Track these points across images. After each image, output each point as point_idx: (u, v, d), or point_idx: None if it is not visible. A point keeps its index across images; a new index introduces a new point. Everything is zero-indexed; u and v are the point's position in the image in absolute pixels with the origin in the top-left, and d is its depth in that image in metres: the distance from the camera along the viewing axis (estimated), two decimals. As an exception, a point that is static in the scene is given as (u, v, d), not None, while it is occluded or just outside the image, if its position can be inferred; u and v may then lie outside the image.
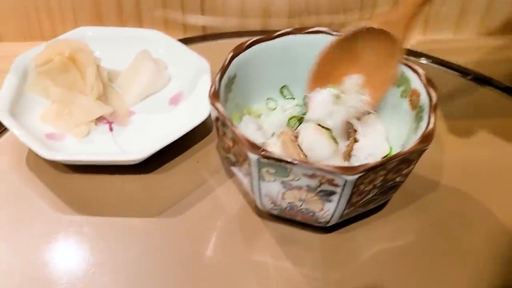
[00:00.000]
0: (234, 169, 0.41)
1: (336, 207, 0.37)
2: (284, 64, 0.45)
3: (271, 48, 0.44)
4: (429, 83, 0.40)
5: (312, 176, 0.35)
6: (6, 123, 0.44)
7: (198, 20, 0.61)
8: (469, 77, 0.56)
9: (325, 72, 0.43)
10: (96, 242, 0.41)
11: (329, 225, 0.40)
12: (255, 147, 0.35)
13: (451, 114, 0.52)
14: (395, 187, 0.39)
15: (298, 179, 0.35)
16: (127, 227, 0.42)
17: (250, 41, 0.43)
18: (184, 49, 0.52)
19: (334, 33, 0.43)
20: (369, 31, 0.40)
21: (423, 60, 0.58)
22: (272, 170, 0.35)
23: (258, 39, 0.44)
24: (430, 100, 0.39)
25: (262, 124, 0.45)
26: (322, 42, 0.43)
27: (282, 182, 0.36)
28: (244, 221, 0.43)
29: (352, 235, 0.42)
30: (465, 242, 0.42)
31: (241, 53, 0.43)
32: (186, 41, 0.56)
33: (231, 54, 0.42)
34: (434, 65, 0.57)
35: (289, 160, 0.34)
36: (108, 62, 0.51)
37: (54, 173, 0.46)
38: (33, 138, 0.44)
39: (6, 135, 0.48)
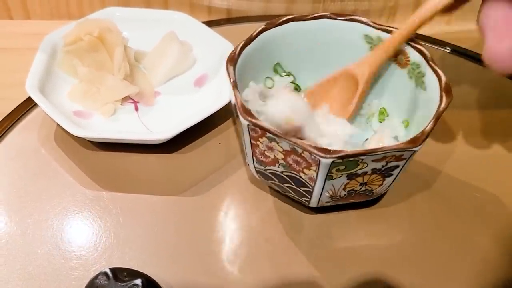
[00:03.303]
0: (272, 182, 0.41)
1: (394, 179, 0.39)
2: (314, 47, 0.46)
3: (304, 29, 0.44)
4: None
5: (381, 159, 0.36)
6: (36, 99, 0.46)
7: (223, 3, 0.62)
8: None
9: (310, 97, 0.45)
10: (119, 218, 0.43)
11: (376, 196, 0.41)
12: (326, 151, 0.34)
13: (470, 104, 0.52)
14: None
15: (366, 166, 0.36)
16: (149, 204, 0.44)
17: (258, 30, 0.43)
18: (210, 32, 0.53)
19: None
20: (344, 73, 0.43)
21: (447, 49, 0.58)
22: (342, 167, 0.36)
23: (292, 18, 0.44)
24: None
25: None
26: (353, 28, 0.44)
27: (348, 175, 0.37)
28: (262, 203, 0.44)
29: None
30: (475, 236, 0.42)
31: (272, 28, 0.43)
32: (210, 23, 0.56)
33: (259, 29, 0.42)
34: (458, 56, 0.57)
35: (362, 152, 0.35)
36: (135, 42, 0.52)
37: (80, 150, 0.47)
38: (61, 115, 0.45)
39: (35, 112, 0.50)
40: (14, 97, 0.50)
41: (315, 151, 0.34)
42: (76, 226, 0.42)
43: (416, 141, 0.36)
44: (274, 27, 0.43)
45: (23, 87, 0.46)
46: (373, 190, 0.40)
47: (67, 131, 0.45)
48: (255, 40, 0.42)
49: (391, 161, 0.36)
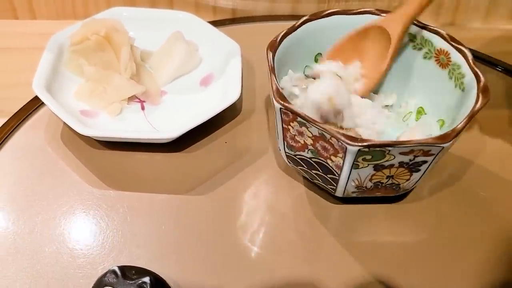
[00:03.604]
0: (301, 168, 0.42)
1: (422, 174, 0.39)
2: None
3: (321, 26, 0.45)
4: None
5: (408, 152, 0.36)
6: (43, 98, 0.46)
7: (228, 3, 0.62)
8: (499, 68, 0.56)
9: (339, 52, 0.45)
10: (126, 216, 0.43)
11: (403, 192, 0.42)
12: (354, 139, 0.35)
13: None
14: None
15: (393, 159, 0.36)
16: (155, 203, 0.44)
17: (302, 20, 0.44)
18: (216, 32, 0.53)
19: (382, 14, 0.44)
20: (374, 28, 0.44)
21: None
22: (368, 157, 0.36)
23: (309, 18, 0.44)
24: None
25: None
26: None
27: (375, 165, 0.37)
28: (270, 201, 0.44)
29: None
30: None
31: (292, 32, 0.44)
32: (215, 23, 0.56)
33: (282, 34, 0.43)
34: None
35: (389, 143, 0.35)
36: (141, 42, 0.52)
37: (87, 149, 0.47)
38: (68, 114, 0.45)
39: (41, 111, 0.50)
40: (21, 97, 0.50)
41: (342, 138, 0.35)
42: (83, 225, 0.42)
43: (445, 138, 0.36)
44: (317, 19, 0.44)
45: (30, 86, 0.46)
46: (400, 184, 0.40)
47: (73, 130, 0.45)
48: (297, 30, 0.43)
49: (418, 155, 0.36)
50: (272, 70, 0.40)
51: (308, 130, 0.37)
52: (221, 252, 0.41)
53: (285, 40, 0.43)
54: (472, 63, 0.41)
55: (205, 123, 0.46)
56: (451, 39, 0.43)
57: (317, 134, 0.37)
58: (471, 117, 0.37)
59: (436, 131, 0.43)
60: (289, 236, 0.42)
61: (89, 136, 0.46)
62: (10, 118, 0.49)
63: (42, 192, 0.44)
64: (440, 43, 0.43)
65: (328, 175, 0.40)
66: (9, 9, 0.62)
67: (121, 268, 0.35)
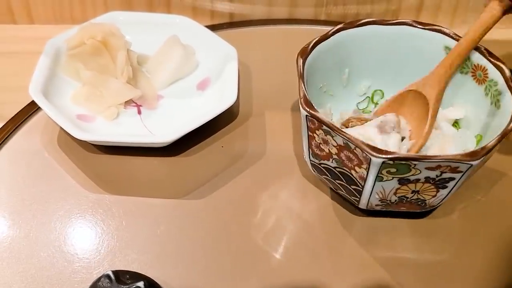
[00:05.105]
0: (325, 177, 0.41)
1: (449, 191, 0.38)
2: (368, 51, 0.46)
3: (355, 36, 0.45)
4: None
5: (435, 168, 0.35)
6: (39, 103, 0.46)
7: (225, 7, 0.62)
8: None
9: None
10: (122, 221, 0.43)
11: (430, 208, 0.41)
12: (378, 150, 0.35)
13: None
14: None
15: (419, 173, 0.36)
16: (152, 207, 0.44)
17: (336, 28, 0.44)
18: (213, 36, 0.53)
19: (418, 26, 0.44)
20: (411, 92, 0.43)
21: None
22: (393, 170, 0.36)
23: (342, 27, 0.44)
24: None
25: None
26: (433, 38, 0.44)
27: (400, 179, 0.36)
28: (266, 204, 0.44)
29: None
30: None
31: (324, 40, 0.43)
32: (213, 27, 0.56)
33: (314, 41, 0.42)
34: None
35: (415, 157, 0.34)
36: (138, 46, 0.52)
37: (83, 153, 0.47)
38: (65, 118, 0.45)
39: (38, 115, 0.50)
40: (18, 101, 0.50)
41: (367, 149, 0.35)
42: (79, 229, 0.42)
43: (474, 155, 0.35)
44: (352, 27, 0.44)
45: (27, 91, 0.47)
46: (426, 200, 0.39)
47: (70, 135, 0.45)
48: (330, 38, 0.43)
49: (445, 171, 0.35)
50: (301, 76, 0.40)
51: (333, 139, 0.37)
52: (217, 257, 0.41)
53: (318, 47, 0.42)
54: (510, 81, 0.39)
55: (201, 127, 0.46)
56: (489, 55, 0.41)
57: (342, 144, 0.36)
58: (503, 136, 0.36)
59: (472, 146, 0.42)
60: (290, 240, 0.42)
61: (85, 141, 0.46)
62: (7, 122, 0.49)
63: (38, 196, 0.44)
64: (478, 59, 0.42)
65: (352, 186, 0.39)
66: (7, 13, 0.62)
67: (115, 272, 0.35)
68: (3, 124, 0.49)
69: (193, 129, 0.45)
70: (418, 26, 0.44)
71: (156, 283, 0.37)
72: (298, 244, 0.42)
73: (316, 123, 0.37)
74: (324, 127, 0.37)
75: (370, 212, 0.43)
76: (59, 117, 0.45)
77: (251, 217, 0.43)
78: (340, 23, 0.44)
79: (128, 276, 0.35)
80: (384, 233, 0.42)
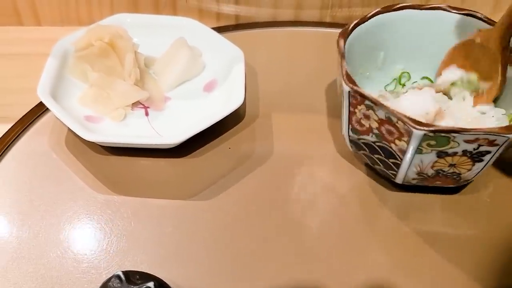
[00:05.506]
0: (363, 152, 0.42)
1: (485, 165, 0.39)
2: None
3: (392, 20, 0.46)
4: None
5: (473, 140, 0.36)
6: (47, 104, 0.46)
7: (231, 9, 0.62)
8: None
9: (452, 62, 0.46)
10: (130, 221, 0.43)
11: (463, 183, 0.42)
12: (420, 123, 0.36)
13: None
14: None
15: (457, 146, 0.37)
16: (160, 208, 0.44)
17: (374, 12, 0.45)
18: (219, 38, 0.53)
19: (453, 10, 0.45)
20: (475, 44, 0.44)
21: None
22: (433, 142, 0.37)
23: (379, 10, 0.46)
24: None
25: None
26: (467, 21, 0.45)
27: (438, 152, 0.38)
28: (273, 207, 0.44)
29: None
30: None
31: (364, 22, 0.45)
32: (219, 29, 0.57)
33: (353, 24, 0.44)
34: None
35: (455, 129, 0.35)
36: (145, 48, 0.53)
37: (91, 154, 0.47)
38: (73, 119, 0.46)
39: (46, 117, 0.50)
40: (26, 103, 0.50)
41: (409, 122, 0.36)
42: (87, 230, 0.42)
43: (511, 129, 0.36)
44: (389, 11, 0.45)
45: (35, 92, 0.47)
46: (461, 174, 0.40)
47: (78, 136, 0.45)
48: (368, 21, 0.44)
49: (483, 144, 0.37)
50: (343, 55, 0.41)
51: (375, 113, 0.38)
52: (225, 258, 0.41)
53: (356, 29, 0.44)
54: None
55: (208, 129, 0.46)
56: None
57: (383, 117, 0.38)
58: None
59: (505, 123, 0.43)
60: (294, 244, 0.42)
61: (93, 142, 0.46)
62: (15, 123, 0.49)
63: (46, 197, 0.44)
64: None
65: (390, 160, 0.40)
66: (14, 15, 0.62)
67: (125, 273, 0.36)
68: (11, 126, 0.49)
69: (200, 130, 0.46)
70: (452, 10, 0.45)
71: (166, 283, 0.37)
72: (300, 247, 0.42)
73: (358, 98, 0.38)
74: (367, 101, 0.38)
75: (403, 188, 0.44)
76: (67, 118, 0.45)
77: (258, 218, 0.43)
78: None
79: (138, 277, 0.36)
80: (416, 207, 0.43)
